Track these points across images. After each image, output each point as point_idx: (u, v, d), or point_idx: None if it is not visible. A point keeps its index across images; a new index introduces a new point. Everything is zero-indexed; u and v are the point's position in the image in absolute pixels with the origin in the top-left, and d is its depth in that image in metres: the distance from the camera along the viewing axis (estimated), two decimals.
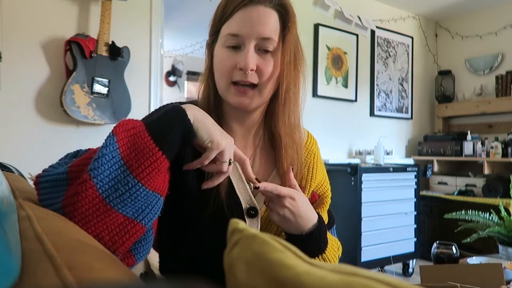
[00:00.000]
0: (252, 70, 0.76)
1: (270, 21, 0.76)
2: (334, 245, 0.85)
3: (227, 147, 0.70)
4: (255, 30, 0.75)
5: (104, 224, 0.59)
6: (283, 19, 0.79)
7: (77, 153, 0.74)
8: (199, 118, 0.69)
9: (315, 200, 0.93)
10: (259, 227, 0.82)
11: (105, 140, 0.63)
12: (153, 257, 1.09)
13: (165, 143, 0.63)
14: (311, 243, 0.77)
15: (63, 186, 0.61)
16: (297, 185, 0.81)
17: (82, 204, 0.58)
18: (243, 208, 0.81)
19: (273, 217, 0.76)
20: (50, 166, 0.69)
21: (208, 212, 0.78)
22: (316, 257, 0.78)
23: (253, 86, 0.78)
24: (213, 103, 0.84)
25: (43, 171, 0.67)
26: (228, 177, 0.80)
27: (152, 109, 2.54)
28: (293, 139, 0.85)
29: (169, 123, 0.66)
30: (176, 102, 0.84)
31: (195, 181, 0.79)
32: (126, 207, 0.61)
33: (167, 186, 0.68)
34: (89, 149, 0.73)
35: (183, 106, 0.69)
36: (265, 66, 0.77)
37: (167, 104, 0.76)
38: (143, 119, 0.69)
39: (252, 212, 0.82)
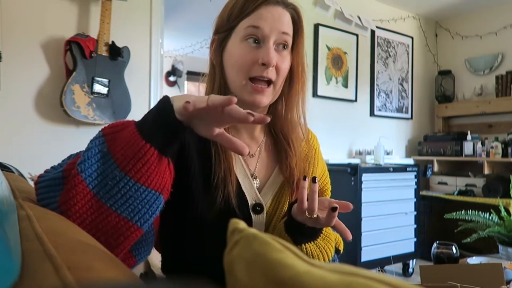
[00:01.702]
0: (273, 66, 0.78)
1: (287, 20, 0.81)
2: (331, 233, 0.85)
3: (195, 95, 0.61)
4: (277, 25, 0.79)
5: (99, 223, 0.58)
6: (295, 23, 0.84)
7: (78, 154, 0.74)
8: (175, 98, 0.63)
9: None
10: (264, 223, 0.84)
11: (94, 137, 0.63)
12: (154, 257, 1.09)
13: (152, 135, 0.60)
14: (308, 232, 0.78)
15: (59, 185, 0.61)
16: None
17: (75, 201, 0.57)
18: (249, 204, 0.83)
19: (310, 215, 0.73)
20: (51, 167, 0.68)
21: (215, 210, 0.78)
22: (307, 243, 0.79)
23: (269, 82, 0.80)
24: None
25: (45, 171, 0.67)
26: (235, 175, 0.82)
27: None
28: (296, 138, 0.88)
29: (154, 115, 0.63)
30: None
31: (201, 179, 0.80)
32: (118, 204, 0.58)
33: (167, 185, 0.66)
34: None
35: (172, 97, 0.65)
36: (282, 62, 0.81)
37: None
38: None
39: (257, 209, 0.83)
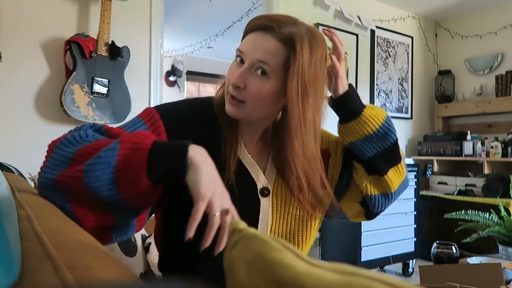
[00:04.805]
0: (238, 87, 0.81)
1: (269, 48, 0.80)
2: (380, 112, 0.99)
3: (214, 198, 0.63)
4: (253, 52, 0.81)
5: (84, 203, 0.64)
6: (289, 49, 0.79)
7: (93, 125, 0.78)
8: (195, 161, 0.64)
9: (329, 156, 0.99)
10: (270, 206, 0.88)
11: (112, 142, 0.65)
12: (153, 257, 1.09)
13: (154, 172, 0.63)
14: (353, 99, 0.92)
15: (65, 164, 0.65)
16: None
17: (70, 186, 0.63)
18: (258, 188, 0.87)
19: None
20: (65, 139, 0.71)
21: None
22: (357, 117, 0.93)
23: (241, 101, 0.82)
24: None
25: (58, 139, 0.71)
26: (237, 162, 0.85)
27: None
28: (303, 159, 0.85)
29: (168, 155, 0.65)
30: (194, 98, 0.97)
31: None
32: (107, 204, 0.64)
33: (150, 200, 0.69)
34: (105, 125, 0.77)
35: (192, 146, 0.66)
36: (253, 86, 0.81)
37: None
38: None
39: (265, 192, 0.87)
